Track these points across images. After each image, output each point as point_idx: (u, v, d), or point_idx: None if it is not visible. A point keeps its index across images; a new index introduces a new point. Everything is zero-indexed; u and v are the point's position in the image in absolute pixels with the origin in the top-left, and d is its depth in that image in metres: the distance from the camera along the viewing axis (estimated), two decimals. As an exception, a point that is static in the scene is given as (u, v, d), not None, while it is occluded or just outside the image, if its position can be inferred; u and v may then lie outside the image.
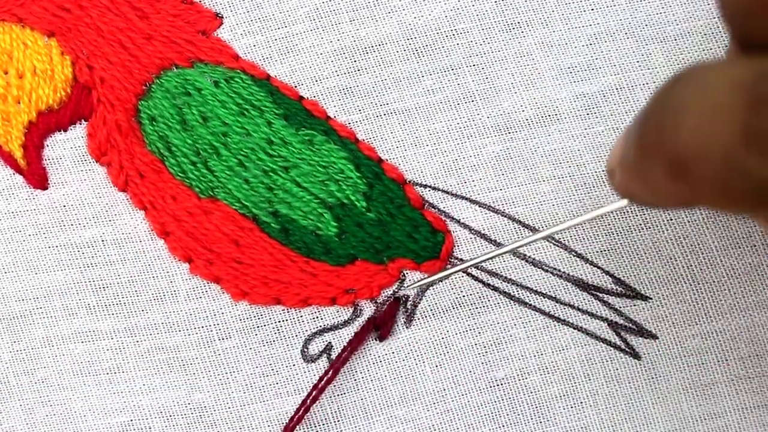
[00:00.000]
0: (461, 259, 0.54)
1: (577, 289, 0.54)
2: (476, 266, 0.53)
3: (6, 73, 0.55)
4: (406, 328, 0.53)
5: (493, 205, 0.54)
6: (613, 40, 0.54)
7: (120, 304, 0.54)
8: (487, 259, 0.50)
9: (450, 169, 0.54)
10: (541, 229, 0.54)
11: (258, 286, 0.53)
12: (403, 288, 0.53)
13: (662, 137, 0.30)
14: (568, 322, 0.53)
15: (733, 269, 0.53)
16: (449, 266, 0.54)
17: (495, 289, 0.53)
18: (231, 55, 0.55)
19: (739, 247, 0.53)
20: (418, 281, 0.53)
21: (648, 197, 0.35)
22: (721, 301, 0.53)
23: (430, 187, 0.54)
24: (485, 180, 0.54)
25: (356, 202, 0.53)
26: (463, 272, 0.53)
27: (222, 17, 0.55)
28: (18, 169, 0.55)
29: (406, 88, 0.55)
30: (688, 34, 0.54)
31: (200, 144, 0.54)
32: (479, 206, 0.54)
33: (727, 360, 0.53)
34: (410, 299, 0.53)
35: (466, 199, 0.54)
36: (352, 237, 0.53)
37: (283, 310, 0.54)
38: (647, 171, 0.32)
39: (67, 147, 0.55)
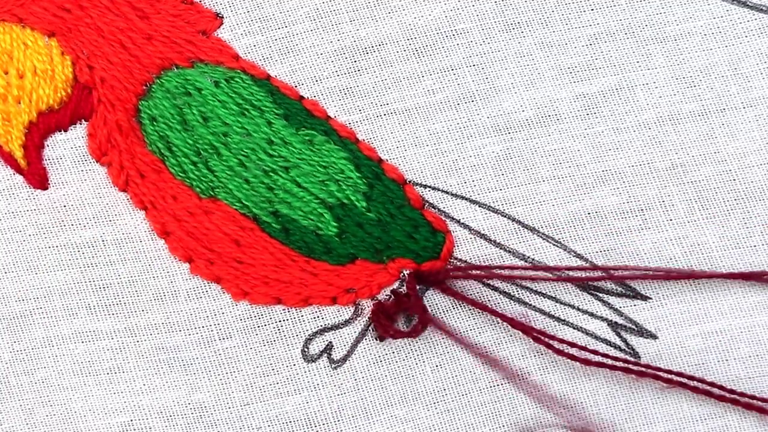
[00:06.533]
0: (461, 260, 0.54)
1: (577, 289, 0.54)
2: (476, 267, 0.54)
3: (6, 73, 0.55)
4: (406, 328, 0.53)
5: (493, 206, 0.54)
6: (613, 40, 0.55)
7: (120, 304, 0.54)
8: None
9: (450, 169, 0.54)
10: (540, 229, 0.54)
11: (258, 286, 0.53)
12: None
13: None
14: (568, 322, 0.53)
15: (733, 269, 0.53)
16: (450, 266, 0.54)
17: (495, 289, 0.53)
18: (231, 55, 0.55)
19: (739, 247, 0.53)
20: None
21: None
22: (721, 301, 0.53)
23: (430, 187, 0.54)
24: (485, 180, 0.54)
25: (356, 202, 0.53)
26: (463, 272, 0.53)
27: (222, 17, 0.55)
28: (18, 169, 0.55)
29: (406, 88, 0.55)
30: (688, 34, 0.54)
31: (201, 144, 0.54)
32: (479, 206, 0.54)
33: (727, 360, 0.53)
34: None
35: (466, 199, 0.54)
36: (353, 237, 0.53)
37: (283, 309, 0.54)
38: None
39: (67, 147, 0.55)
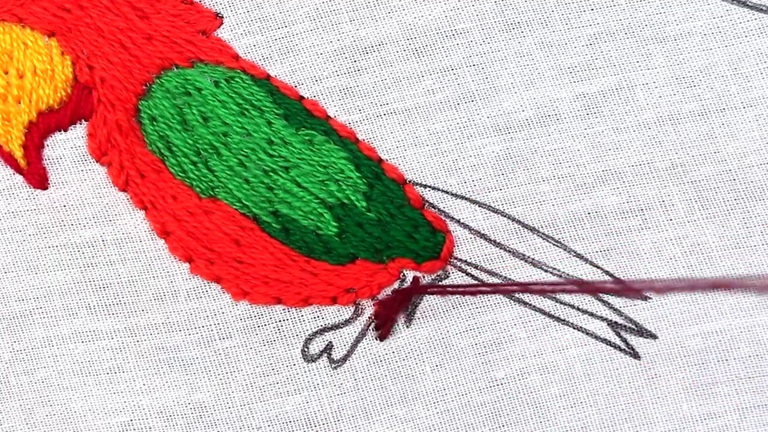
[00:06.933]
0: (461, 260, 0.54)
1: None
2: (476, 267, 0.54)
3: (6, 73, 0.55)
4: (406, 327, 0.53)
5: (493, 205, 0.54)
6: (613, 40, 0.55)
7: (120, 304, 0.54)
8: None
9: (450, 169, 0.54)
10: (540, 229, 0.54)
11: (258, 286, 0.53)
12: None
13: None
14: (568, 322, 0.53)
15: (733, 269, 0.53)
16: (449, 269, 0.54)
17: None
18: (231, 55, 0.55)
19: (739, 247, 0.53)
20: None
21: None
22: (721, 301, 0.53)
23: (430, 187, 0.54)
24: (485, 180, 0.54)
25: (356, 202, 0.53)
26: (463, 272, 0.54)
27: (222, 17, 0.55)
28: (18, 169, 0.55)
29: (406, 88, 0.55)
30: (688, 34, 0.54)
31: (201, 144, 0.54)
32: (479, 206, 0.54)
33: (727, 360, 0.53)
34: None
35: (466, 199, 0.54)
36: (353, 237, 0.53)
37: (283, 309, 0.54)
38: None
39: (67, 147, 0.55)
